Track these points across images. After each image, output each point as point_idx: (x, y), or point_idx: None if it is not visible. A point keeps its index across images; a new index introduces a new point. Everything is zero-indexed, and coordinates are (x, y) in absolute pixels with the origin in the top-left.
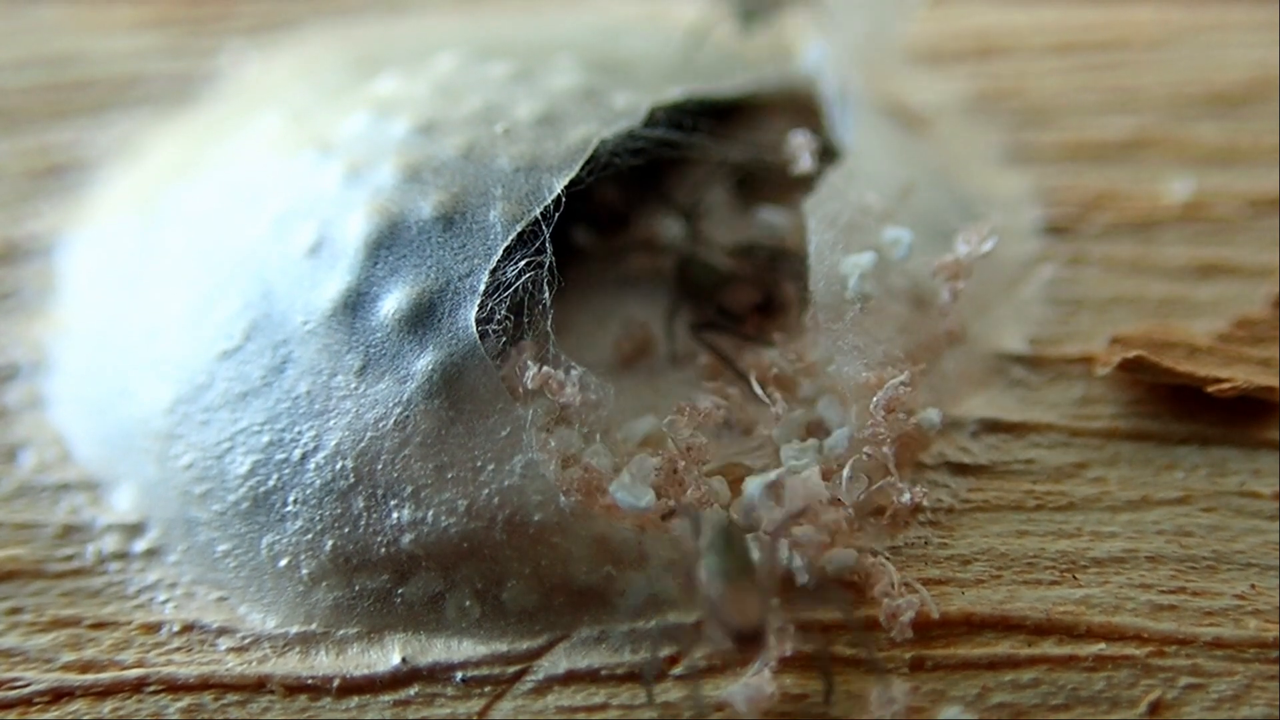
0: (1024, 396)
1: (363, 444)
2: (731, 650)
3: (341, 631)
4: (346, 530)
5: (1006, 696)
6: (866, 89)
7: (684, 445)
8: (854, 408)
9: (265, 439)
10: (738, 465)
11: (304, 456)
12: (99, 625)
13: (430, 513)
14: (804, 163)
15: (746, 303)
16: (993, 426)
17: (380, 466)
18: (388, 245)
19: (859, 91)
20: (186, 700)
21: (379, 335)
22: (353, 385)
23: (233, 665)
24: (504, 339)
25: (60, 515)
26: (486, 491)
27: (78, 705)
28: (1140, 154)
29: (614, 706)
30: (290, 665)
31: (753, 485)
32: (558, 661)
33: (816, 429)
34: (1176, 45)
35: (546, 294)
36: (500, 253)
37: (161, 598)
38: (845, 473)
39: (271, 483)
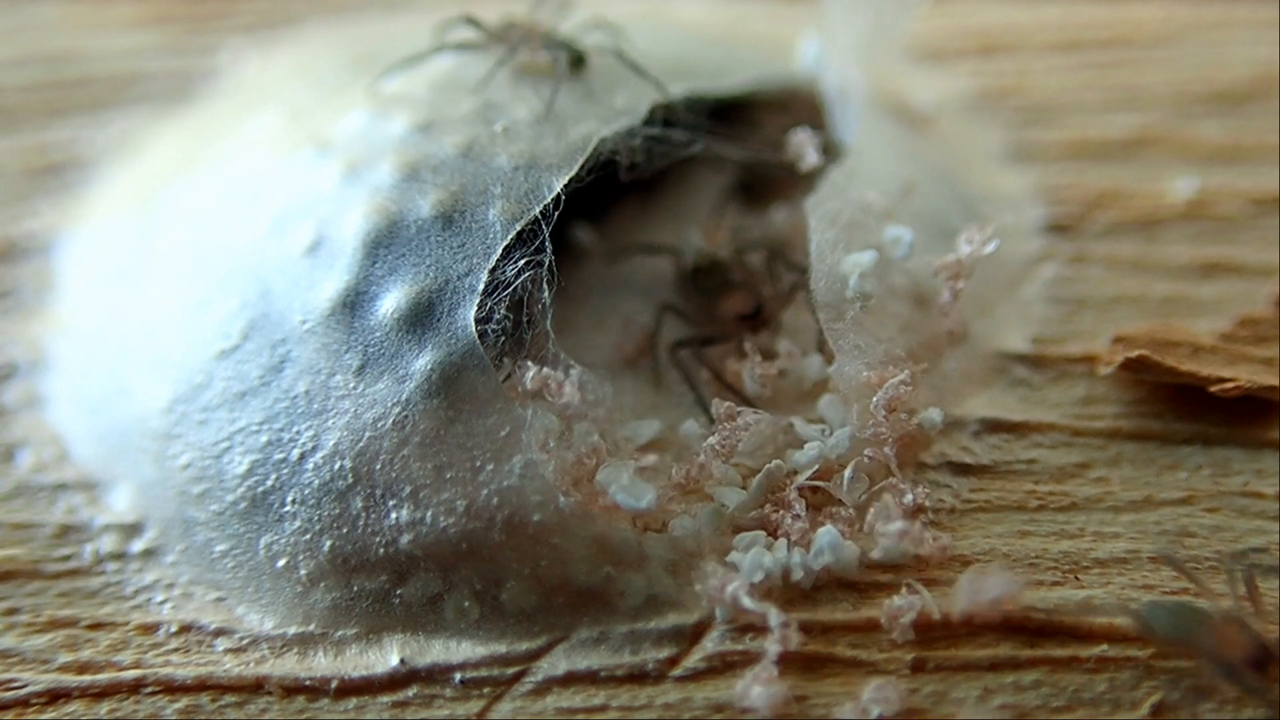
0: (1026, 396)
1: (361, 444)
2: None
3: (340, 632)
4: (345, 530)
5: (1008, 698)
6: (868, 87)
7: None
8: (855, 407)
9: (263, 439)
10: (738, 465)
11: (302, 456)
12: (96, 626)
13: (429, 513)
14: (809, 159)
15: (738, 312)
16: (995, 426)
17: (379, 466)
18: (386, 244)
19: (860, 89)
20: (184, 701)
21: (377, 335)
22: (351, 385)
23: (230, 666)
24: (503, 338)
25: (58, 515)
26: (485, 492)
27: (75, 706)
28: (1143, 152)
29: (613, 708)
30: (288, 666)
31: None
32: (557, 663)
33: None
34: (1180, 43)
35: (546, 293)
36: (499, 252)
37: (159, 598)
38: (847, 473)
39: (270, 483)
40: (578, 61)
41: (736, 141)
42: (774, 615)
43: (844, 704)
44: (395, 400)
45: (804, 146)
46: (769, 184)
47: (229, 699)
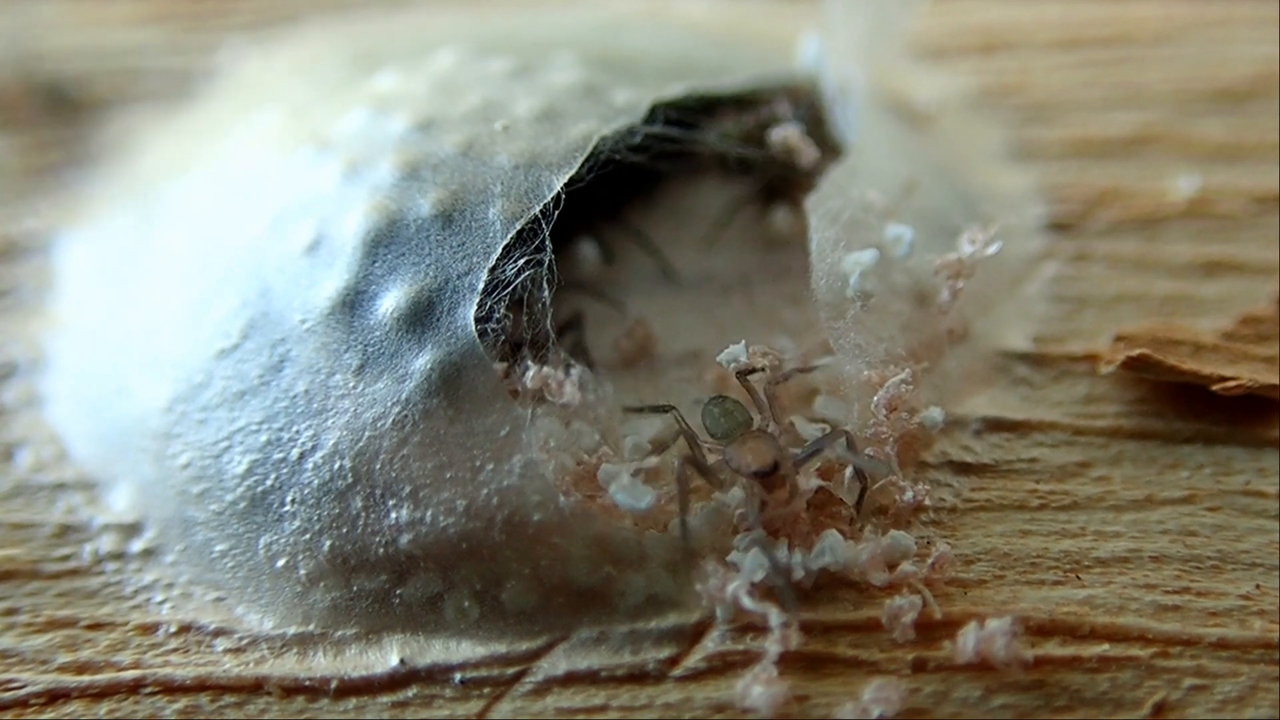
0: (1027, 395)
1: (361, 443)
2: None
3: (339, 632)
4: (344, 530)
5: (1009, 698)
6: (869, 85)
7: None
8: (856, 406)
9: (263, 438)
10: None
11: (302, 456)
12: (95, 626)
13: (429, 513)
14: (806, 155)
15: (752, 467)
16: (996, 425)
17: (378, 466)
18: (386, 243)
19: (862, 87)
20: (183, 702)
21: (377, 334)
22: (351, 384)
23: (230, 666)
24: (503, 338)
25: (57, 515)
26: (485, 491)
27: (74, 707)
28: (1145, 150)
29: (614, 708)
30: (288, 666)
31: None
32: (557, 662)
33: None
34: (1181, 41)
35: (546, 292)
36: (499, 251)
37: (158, 598)
38: (848, 473)
39: (269, 482)
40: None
41: (739, 139)
42: (774, 615)
43: (845, 704)
44: (395, 399)
45: (790, 141)
46: (789, 186)
47: (228, 699)
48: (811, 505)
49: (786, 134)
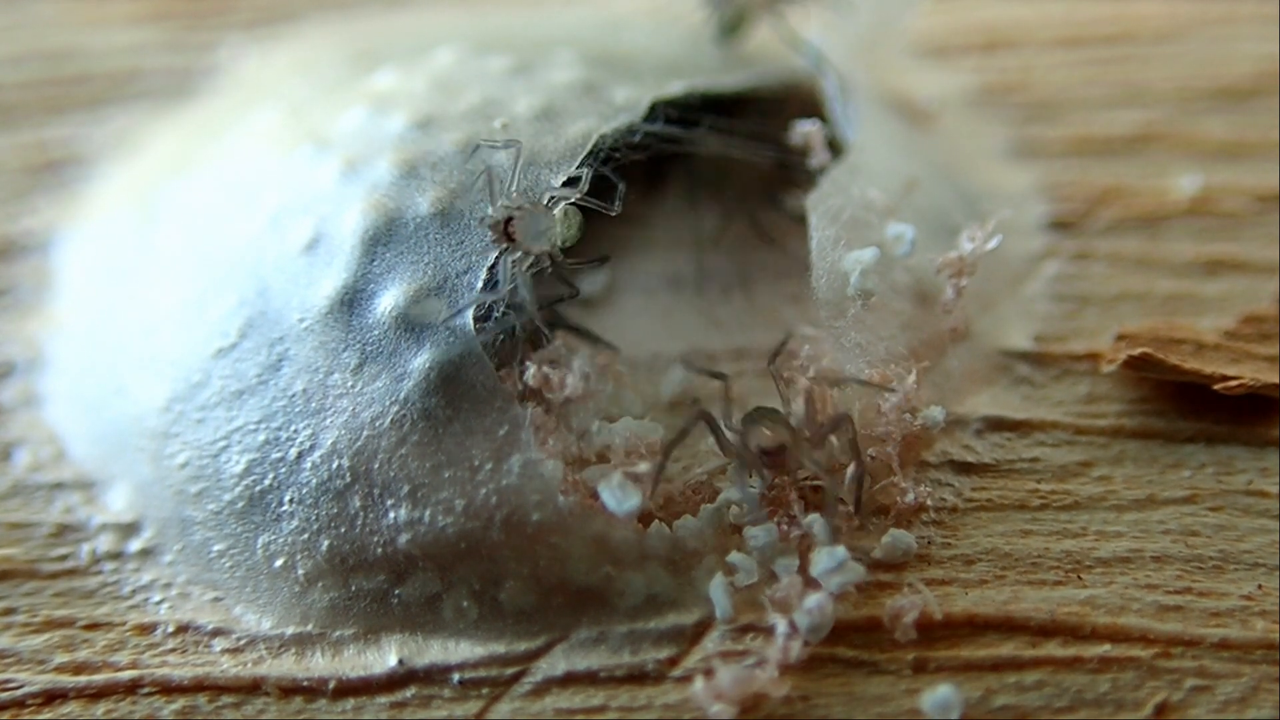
0: (1029, 394)
1: (359, 443)
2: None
3: (338, 632)
4: (343, 530)
5: (1010, 699)
6: (870, 83)
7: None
8: (857, 405)
9: (261, 438)
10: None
11: (300, 455)
12: (93, 626)
13: (427, 512)
14: (818, 155)
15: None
16: (997, 425)
17: (377, 465)
18: (385, 241)
19: (863, 85)
20: (181, 702)
21: (376, 333)
22: (349, 383)
23: (228, 667)
24: (502, 336)
25: (54, 515)
26: (484, 491)
27: (71, 707)
28: (1147, 148)
29: (613, 709)
30: (286, 667)
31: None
32: (556, 663)
33: None
34: (1184, 38)
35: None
36: (499, 249)
37: (156, 598)
38: (849, 472)
39: (267, 482)
40: None
41: (740, 138)
42: (781, 624)
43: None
44: (393, 399)
45: (809, 137)
46: (792, 184)
47: (226, 699)
48: (810, 505)
49: (809, 130)
